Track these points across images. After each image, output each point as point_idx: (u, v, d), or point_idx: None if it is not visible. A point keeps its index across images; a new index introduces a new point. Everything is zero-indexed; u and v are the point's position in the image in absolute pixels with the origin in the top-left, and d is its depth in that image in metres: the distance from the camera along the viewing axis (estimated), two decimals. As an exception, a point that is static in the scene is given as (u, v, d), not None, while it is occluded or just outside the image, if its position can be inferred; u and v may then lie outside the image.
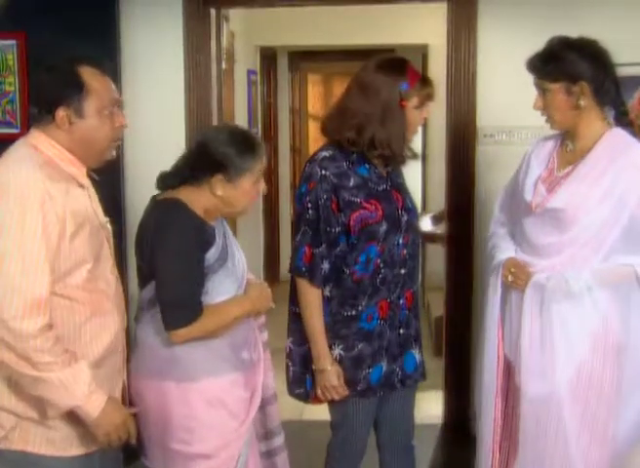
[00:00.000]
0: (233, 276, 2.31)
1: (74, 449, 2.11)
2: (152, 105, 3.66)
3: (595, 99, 2.39)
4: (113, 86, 2.16)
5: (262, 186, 2.32)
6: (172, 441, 2.26)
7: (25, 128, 3.72)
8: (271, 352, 2.51)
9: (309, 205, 2.43)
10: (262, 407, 2.42)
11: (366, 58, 2.56)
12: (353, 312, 2.48)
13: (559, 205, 2.39)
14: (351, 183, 2.45)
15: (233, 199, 2.27)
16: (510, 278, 2.49)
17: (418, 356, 2.59)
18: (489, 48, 3.57)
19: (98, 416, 2.01)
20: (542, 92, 2.43)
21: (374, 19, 5.67)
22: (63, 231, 1.99)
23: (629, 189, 2.34)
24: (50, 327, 1.97)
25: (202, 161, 2.25)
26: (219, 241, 2.27)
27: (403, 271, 2.50)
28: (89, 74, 2.08)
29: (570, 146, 2.48)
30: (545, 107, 2.45)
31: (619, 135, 2.44)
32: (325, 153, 2.47)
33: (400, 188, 2.56)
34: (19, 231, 1.93)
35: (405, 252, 2.50)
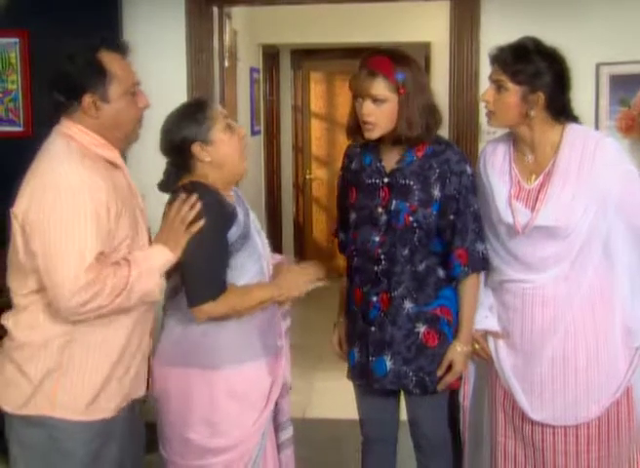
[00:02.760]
0: (255, 255, 2.33)
1: (91, 414, 2.15)
2: (155, 104, 3.60)
3: (547, 112, 2.36)
4: (133, 68, 2.22)
5: (240, 128, 2.35)
6: (191, 431, 2.28)
7: (29, 126, 3.75)
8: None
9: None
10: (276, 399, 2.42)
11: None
12: (347, 286, 2.64)
13: (549, 222, 2.34)
14: (353, 166, 2.60)
15: (221, 156, 2.29)
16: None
17: (389, 364, 2.48)
18: (491, 46, 3.56)
19: (174, 255, 2.17)
20: (497, 87, 2.36)
21: (376, 17, 5.67)
22: (110, 215, 2.07)
23: (610, 190, 2.33)
24: (97, 271, 2.02)
25: (174, 149, 2.30)
26: (240, 219, 2.29)
27: (376, 268, 2.48)
28: (109, 59, 2.14)
29: (529, 156, 2.43)
30: (495, 103, 2.38)
31: (577, 132, 2.40)
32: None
33: (398, 189, 2.47)
34: (72, 223, 2.00)
35: (379, 251, 2.47)
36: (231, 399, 2.28)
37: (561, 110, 2.39)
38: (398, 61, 2.40)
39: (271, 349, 2.37)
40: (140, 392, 2.31)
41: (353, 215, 2.56)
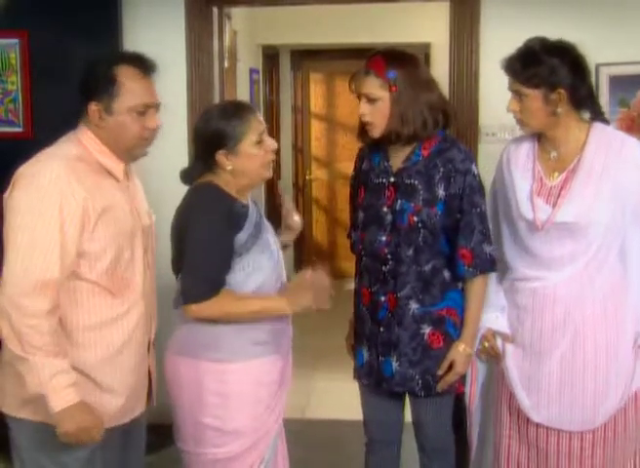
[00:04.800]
0: (268, 251, 2.34)
1: None
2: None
3: (571, 105, 2.36)
4: (154, 88, 2.20)
5: (270, 143, 2.33)
6: (205, 416, 2.29)
7: (29, 126, 3.74)
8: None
9: None
10: None
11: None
12: (355, 285, 2.63)
13: (570, 219, 2.34)
14: (364, 167, 2.61)
15: (243, 168, 2.29)
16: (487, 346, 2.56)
17: (395, 365, 2.49)
18: (491, 46, 3.56)
19: (59, 412, 2.03)
20: (518, 96, 2.36)
21: (376, 17, 5.67)
22: (87, 220, 2.07)
23: (631, 190, 2.34)
24: (53, 315, 2.03)
25: (202, 144, 2.31)
26: (252, 218, 2.30)
27: (384, 269, 2.49)
28: (126, 73, 2.13)
29: (553, 154, 2.42)
30: (520, 111, 2.38)
31: (603, 131, 2.40)
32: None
33: (404, 189, 2.47)
34: (35, 215, 2.01)
35: (386, 250, 2.48)
36: (244, 387, 2.29)
37: (586, 98, 2.38)
38: (391, 60, 2.42)
39: (282, 349, 2.38)
40: (139, 409, 2.31)
41: (361, 215, 2.57)
